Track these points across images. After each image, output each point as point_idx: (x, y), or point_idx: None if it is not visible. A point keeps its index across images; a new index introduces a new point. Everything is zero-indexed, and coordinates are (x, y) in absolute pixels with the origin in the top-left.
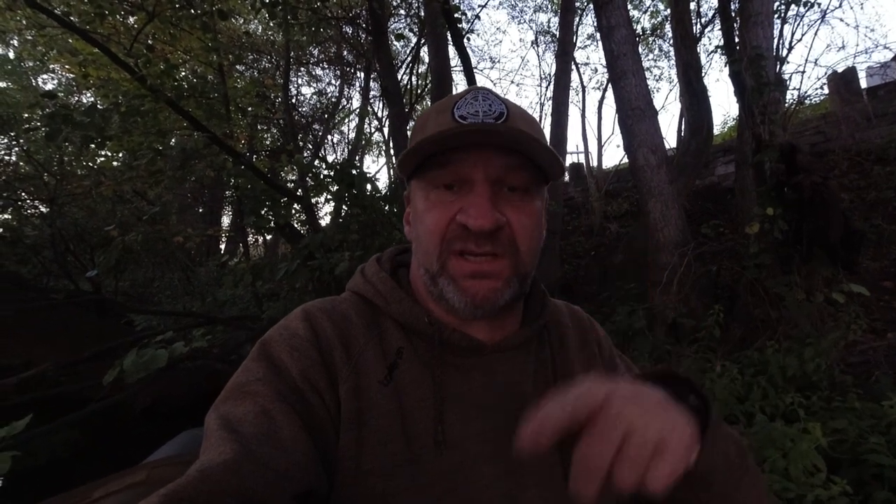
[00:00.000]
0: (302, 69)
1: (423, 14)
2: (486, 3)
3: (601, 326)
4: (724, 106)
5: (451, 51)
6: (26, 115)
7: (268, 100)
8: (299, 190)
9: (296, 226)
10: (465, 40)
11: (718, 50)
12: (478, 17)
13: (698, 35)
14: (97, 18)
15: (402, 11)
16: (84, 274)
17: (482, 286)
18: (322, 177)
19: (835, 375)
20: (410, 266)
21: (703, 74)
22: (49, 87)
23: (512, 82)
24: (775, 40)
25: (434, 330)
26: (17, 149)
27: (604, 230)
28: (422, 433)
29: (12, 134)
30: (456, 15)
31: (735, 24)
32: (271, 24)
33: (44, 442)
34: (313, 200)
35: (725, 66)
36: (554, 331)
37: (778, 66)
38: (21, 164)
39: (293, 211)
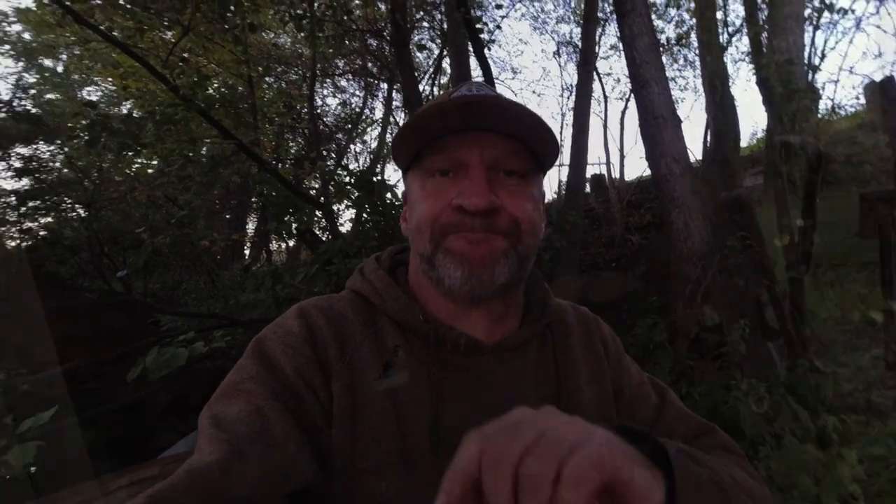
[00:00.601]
0: (328, 80)
1: (445, 27)
2: (506, 14)
3: (609, 325)
4: (752, 116)
5: (473, 62)
6: (70, 124)
7: (294, 110)
8: (322, 197)
9: (317, 232)
10: (486, 50)
11: (747, 57)
12: (499, 27)
13: (725, 44)
14: (137, 33)
15: (426, 24)
16: (116, 275)
17: (480, 250)
18: (343, 184)
19: (873, 397)
20: (409, 264)
21: (730, 84)
22: (93, 98)
23: (533, 92)
24: (807, 48)
25: (429, 327)
26: (61, 156)
27: (625, 241)
28: (417, 432)
29: (58, 142)
30: (477, 26)
31: (764, 32)
32: (300, 38)
33: (72, 436)
34: (334, 207)
35: (753, 74)
36: (557, 331)
37: (810, 75)
38: (65, 170)
39: (315, 218)
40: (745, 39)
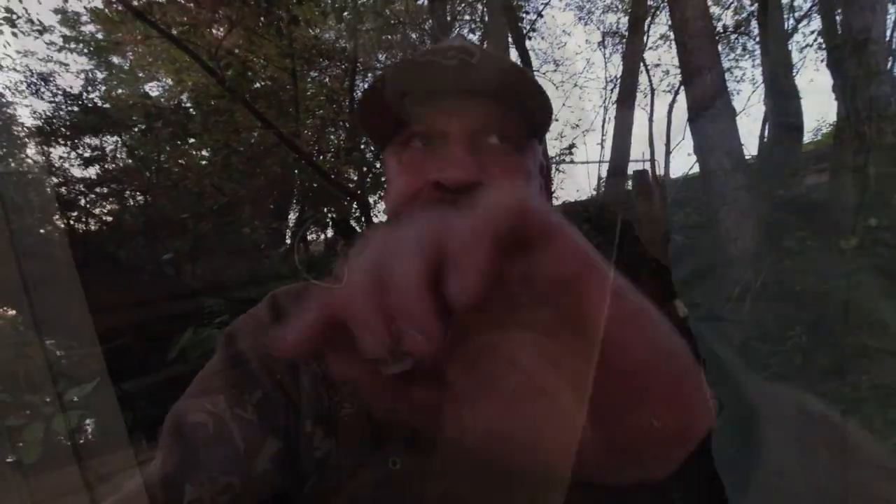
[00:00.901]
0: (369, 74)
1: (486, 19)
2: (548, 2)
3: None
4: (817, 109)
5: (514, 53)
6: (134, 117)
7: (336, 103)
8: (359, 189)
9: (352, 223)
10: (526, 41)
11: (814, 42)
12: (540, 15)
13: (790, 30)
14: (192, 29)
15: (467, 16)
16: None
17: None
18: (379, 175)
19: None
20: None
21: (794, 73)
22: (154, 93)
23: (575, 85)
24: (889, 30)
25: None
26: (123, 147)
27: (668, 241)
28: (394, 429)
29: (122, 133)
30: (518, 14)
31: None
32: (342, 32)
33: (112, 408)
34: (370, 199)
35: (822, 61)
36: None
37: (891, 61)
38: (129, 160)
39: (352, 209)
40: (812, 24)
